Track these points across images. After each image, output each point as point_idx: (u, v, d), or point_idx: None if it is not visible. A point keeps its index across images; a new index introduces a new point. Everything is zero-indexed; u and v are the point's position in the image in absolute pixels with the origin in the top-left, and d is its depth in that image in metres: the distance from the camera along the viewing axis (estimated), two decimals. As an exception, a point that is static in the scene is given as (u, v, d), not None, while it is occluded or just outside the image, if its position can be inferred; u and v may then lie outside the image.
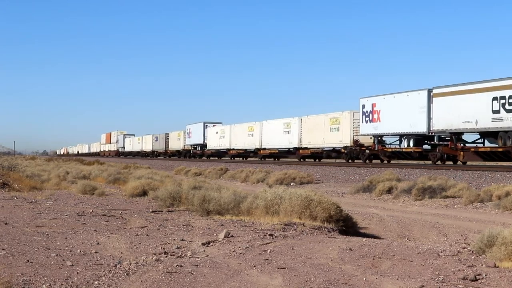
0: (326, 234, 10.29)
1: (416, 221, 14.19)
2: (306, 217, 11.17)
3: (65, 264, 7.33)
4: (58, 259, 7.65)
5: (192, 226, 11.05)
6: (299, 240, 9.42)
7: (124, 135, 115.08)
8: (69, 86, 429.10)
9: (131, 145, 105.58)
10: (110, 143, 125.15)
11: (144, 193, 18.87)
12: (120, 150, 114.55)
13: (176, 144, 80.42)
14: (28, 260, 7.47)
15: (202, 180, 23.50)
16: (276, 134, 52.36)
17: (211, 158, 67.30)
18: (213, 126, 68.99)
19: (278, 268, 7.32)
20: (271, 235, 9.79)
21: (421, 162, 37.73)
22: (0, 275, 6.48)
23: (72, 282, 6.50)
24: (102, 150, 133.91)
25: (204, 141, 69.03)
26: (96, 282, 6.53)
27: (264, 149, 54.74)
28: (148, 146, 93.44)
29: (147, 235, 9.96)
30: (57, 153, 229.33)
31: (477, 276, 6.82)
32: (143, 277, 6.83)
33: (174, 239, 9.44)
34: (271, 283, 6.65)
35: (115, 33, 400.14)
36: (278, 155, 54.02)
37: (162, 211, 13.91)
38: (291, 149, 51.21)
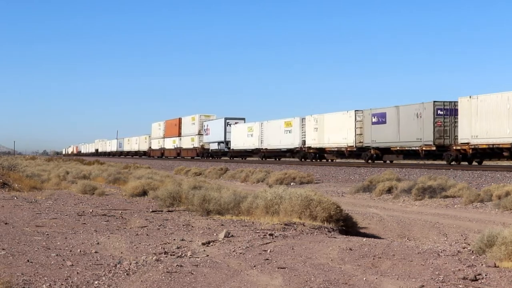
0: (326, 234, 10.28)
1: (416, 221, 14.18)
2: (306, 217, 11.17)
3: (65, 264, 7.33)
4: (58, 259, 7.64)
5: (192, 226, 11.04)
6: (299, 240, 9.41)
7: (226, 119, 63.95)
8: (69, 86, 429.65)
9: (258, 137, 55.60)
10: (180, 135, 76.92)
11: (144, 193, 18.87)
12: (215, 147, 66.03)
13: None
14: (28, 260, 7.46)
15: (202, 180, 23.51)
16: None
17: None
18: None
19: (278, 268, 7.32)
20: (271, 235, 9.78)
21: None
22: (0, 275, 6.48)
23: (72, 282, 6.50)
24: (156, 147, 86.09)
25: None
26: (96, 282, 6.53)
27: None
28: (336, 138, 43.63)
29: (147, 235, 9.95)
30: (63, 152, 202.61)
31: (477, 276, 6.81)
32: (143, 277, 6.83)
33: (174, 239, 9.43)
34: (271, 283, 6.65)
35: (114, 33, 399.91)
36: None
37: (162, 211, 13.91)
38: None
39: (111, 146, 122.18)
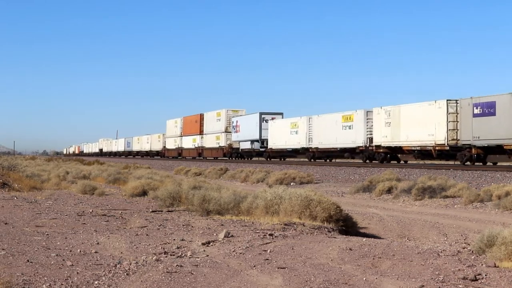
0: (326, 234, 10.28)
1: (416, 221, 14.19)
2: (306, 217, 11.17)
3: (65, 264, 7.33)
4: (58, 259, 7.64)
5: (192, 226, 11.04)
6: (299, 240, 9.41)
7: (261, 114, 55.04)
8: (69, 86, 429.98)
9: (306, 134, 46.74)
10: (201, 133, 67.46)
11: (144, 193, 18.88)
12: (247, 147, 56.82)
13: None
14: (28, 260, 7.46)
15: (202, 180, 23.50)
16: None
17: None
18: None
19: (278, 268, 7.32)
20: (271, 235, 9.78)
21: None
22: (0, 275, 6.48)
23: (72, 282, 6.50)
24: (172, 146, 77.33)
25: None
26: (96, 282, 6.53)
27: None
28: (417, 135, 35.18)
29: (147, 235, 9.95)
30: (64, 152, 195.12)
31: (477, 276, 6.81)
32: (143, 277, 6.83)
33: (174, 239, 9.43)
34: (271, 283, 6.65)
35: (114, 33, 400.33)
36: None
37: (162, 211, 13.90)
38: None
39: (117, 145, 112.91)
